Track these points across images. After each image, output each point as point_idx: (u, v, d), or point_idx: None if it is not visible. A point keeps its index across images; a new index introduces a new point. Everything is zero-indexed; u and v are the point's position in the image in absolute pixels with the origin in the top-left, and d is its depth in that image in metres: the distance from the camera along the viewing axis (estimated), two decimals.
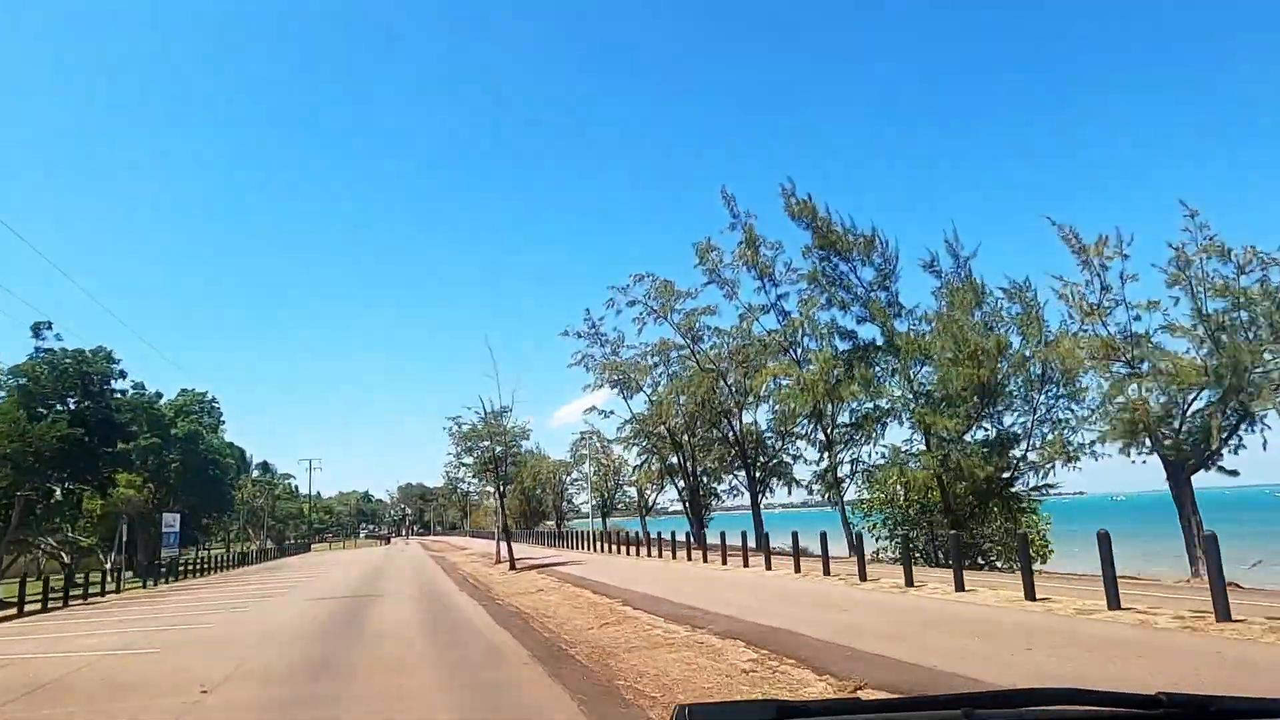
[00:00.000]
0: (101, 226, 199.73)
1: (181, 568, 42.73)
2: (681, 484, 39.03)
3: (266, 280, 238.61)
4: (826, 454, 24.76)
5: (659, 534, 32.23)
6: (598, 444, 55.77)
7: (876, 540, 29.41)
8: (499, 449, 28.68)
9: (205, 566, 46.16)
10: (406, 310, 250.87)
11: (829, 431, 24.75)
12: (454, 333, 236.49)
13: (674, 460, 38.67)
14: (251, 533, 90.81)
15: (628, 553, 31.92)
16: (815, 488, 25.81)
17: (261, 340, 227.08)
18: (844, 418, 25.03)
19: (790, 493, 32.00)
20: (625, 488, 60.03)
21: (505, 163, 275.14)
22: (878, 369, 23.48)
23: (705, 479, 38.84)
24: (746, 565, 20.31)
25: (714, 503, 38.97)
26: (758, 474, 31.73)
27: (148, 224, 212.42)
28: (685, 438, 37.69)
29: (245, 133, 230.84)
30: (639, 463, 43.85)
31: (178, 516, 45.14)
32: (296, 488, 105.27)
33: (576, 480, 68.45)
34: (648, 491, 49.94)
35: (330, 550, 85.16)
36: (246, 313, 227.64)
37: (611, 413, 41.23)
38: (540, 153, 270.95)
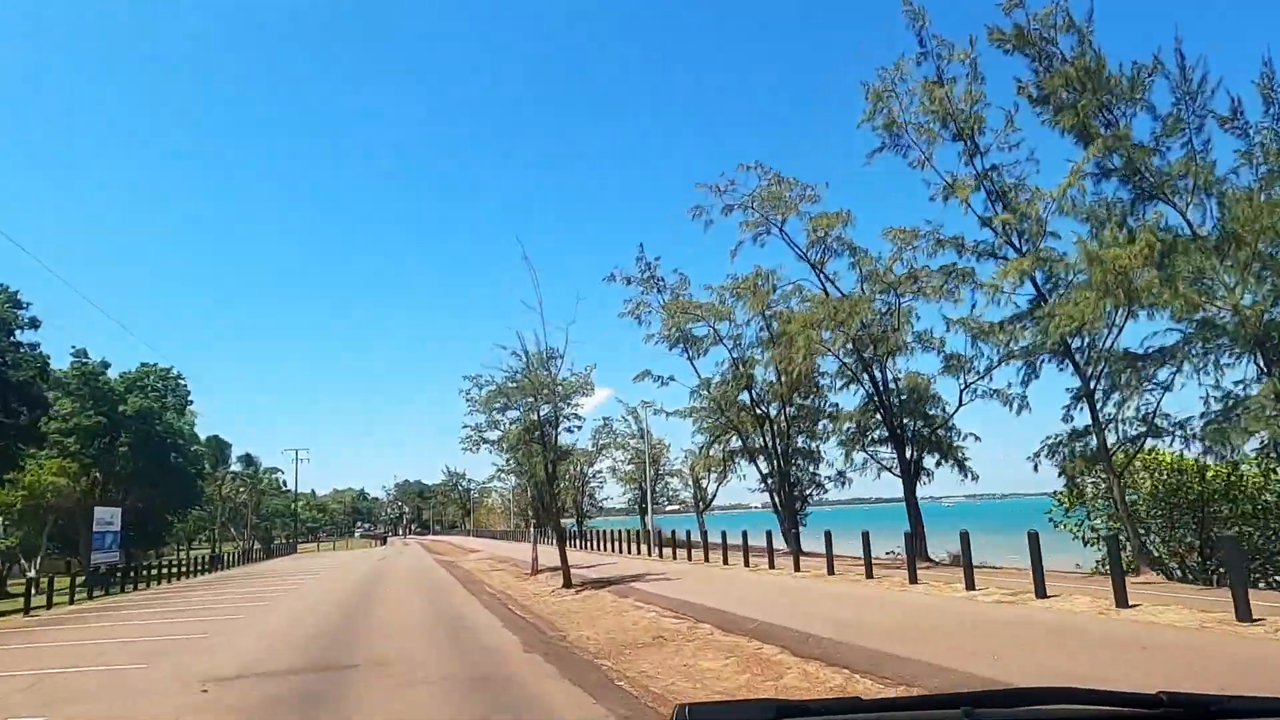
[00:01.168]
0: (84, 216, 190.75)
1: (146, 572, 33.83)
2: (765, 469, 29.60)
3: (264, 277, 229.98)
4: (1084, 405, 15.26)
5: (724, 533, 25.77)
6: (633, 425, 46.16)
7: (1087, 545, 21.70)
8: (546, 409, 19.29)
9: (152, 575, 36.35)
10: (407, 307, 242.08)
11: (1090, 372, 15.27)
12: (455, 329, 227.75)
13: (758, 440, 29.28)
14: (234, 532, 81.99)
15: (701, 558, 25.48)
16: (1056, 460, 16.32)
17: (257, 337, 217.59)
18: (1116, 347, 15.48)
19: (965, 477, 22.54)
20: (667, 479, 50.69)
21: (511, 144, 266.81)
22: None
23: (800, 462, 29.45)
24: (972, 587, 11.28)
25: (814, 494, 29.46)
26: (910, 453, 22.14)
27: (137, 216, 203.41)
28: (777, 406, 28.26)
29: (233, 114, 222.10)
30: (699, 445, 34.35)
31: (116, 513, 35.90)
32: (285, 483, 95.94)
33: (599, 472, 58.83)
34: (706, 482, 40.43)
35: (319, 552, 75.41)
36: (242, 309, 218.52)
37: (671, 378, 31.43)
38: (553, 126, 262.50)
